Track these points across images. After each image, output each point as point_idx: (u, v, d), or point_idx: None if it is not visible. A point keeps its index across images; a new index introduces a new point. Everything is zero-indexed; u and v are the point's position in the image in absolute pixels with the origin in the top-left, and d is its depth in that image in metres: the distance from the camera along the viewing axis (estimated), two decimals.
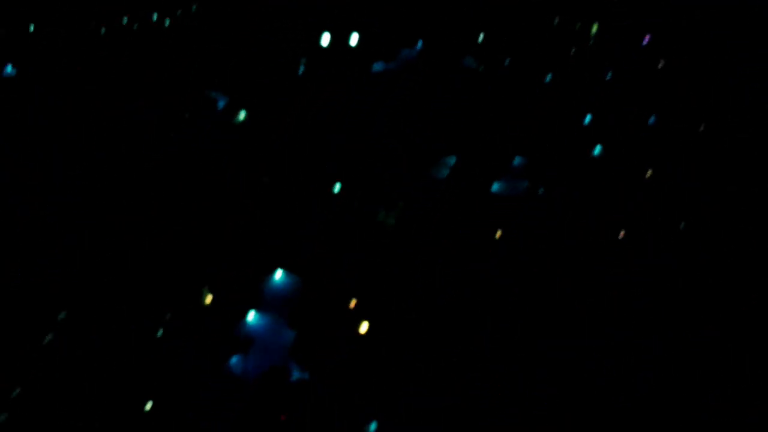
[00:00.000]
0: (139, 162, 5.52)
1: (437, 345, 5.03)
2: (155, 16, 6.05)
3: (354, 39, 5.31)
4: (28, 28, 5.79)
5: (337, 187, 5.34)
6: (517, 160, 5.61)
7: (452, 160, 5.61)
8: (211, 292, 5.20)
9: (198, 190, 5.49)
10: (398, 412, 4.83)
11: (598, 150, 4.95)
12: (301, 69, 5.90)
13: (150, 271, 5.19)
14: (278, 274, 5.27)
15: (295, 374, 4.99)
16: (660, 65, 5.61)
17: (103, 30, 5.86)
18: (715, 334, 4.92)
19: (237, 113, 5.39)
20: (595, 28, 5.18)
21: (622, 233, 5.10)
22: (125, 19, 5.93)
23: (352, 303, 5.04)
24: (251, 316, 5.10)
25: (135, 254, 5.22)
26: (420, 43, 6.21)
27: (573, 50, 5.87)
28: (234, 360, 5.01)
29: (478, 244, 5.22)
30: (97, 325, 5.02)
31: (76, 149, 5.54)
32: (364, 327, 5.05)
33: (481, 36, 5.63)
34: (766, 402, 4.69)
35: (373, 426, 4.70)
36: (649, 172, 4.65)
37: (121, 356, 4.94)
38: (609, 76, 5.75)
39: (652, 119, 5.51)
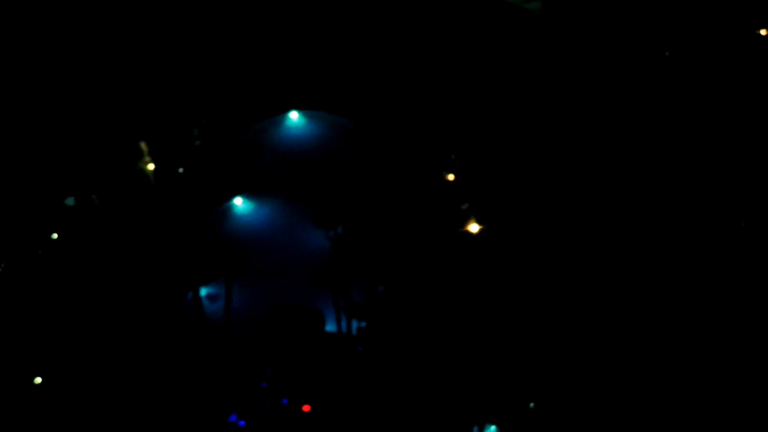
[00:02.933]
0: (139, 162, 5.52)
1: (438, 345, 5.04)
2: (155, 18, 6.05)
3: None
4: (29, 32, 5.79)
5: None
6: (517, 161, 5.61)
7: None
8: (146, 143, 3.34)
9: (197, 191, 5.49)
10: (398, 412, 4.83)
11: None
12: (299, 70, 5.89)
13: (149, 271, 5.19)
14: (293, 115, 3.34)
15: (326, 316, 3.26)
16: (661, 65, 5.61)
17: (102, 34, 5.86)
18: (715, 334, 4.92)
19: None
20: None
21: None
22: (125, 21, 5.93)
23: (451, 177, 3.86)
24: (239, 201, 3.30)
25: (135, 254, 5.22)
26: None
27: (570, 51, 5.87)
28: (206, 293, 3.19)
29: (478, 244, 5.22)
30: (97, 324, 5.02)
31: (76, 149, 5.54)
32: (474, 225, 3.78)
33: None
34: (766, 402, 4.70)
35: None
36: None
37: (121, 355, 4.95)
38: (608, 77, 5.75)
39: (651, 119, 5.52)
